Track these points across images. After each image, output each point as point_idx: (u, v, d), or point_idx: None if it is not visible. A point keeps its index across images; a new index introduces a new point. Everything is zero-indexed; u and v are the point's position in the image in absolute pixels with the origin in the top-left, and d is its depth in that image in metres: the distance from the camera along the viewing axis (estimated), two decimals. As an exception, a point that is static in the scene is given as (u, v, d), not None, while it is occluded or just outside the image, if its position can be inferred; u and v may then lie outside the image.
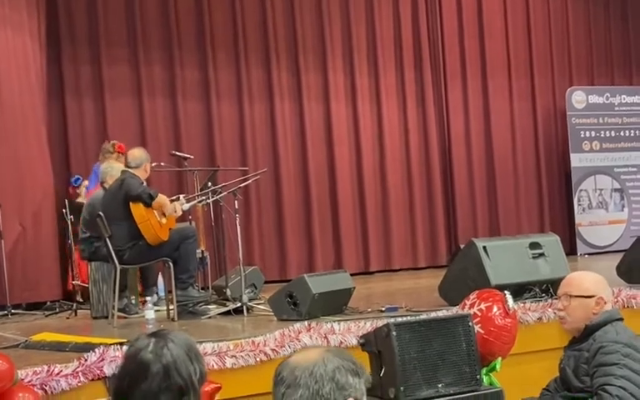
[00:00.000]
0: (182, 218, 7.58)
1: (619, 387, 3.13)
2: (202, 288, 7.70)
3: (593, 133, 12.01)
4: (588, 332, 3.39)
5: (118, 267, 6.30)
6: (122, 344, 4.48)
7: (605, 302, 3.43)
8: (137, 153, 6.77)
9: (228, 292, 6.81)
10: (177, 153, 8.39)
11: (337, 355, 1.99)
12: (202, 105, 10.03)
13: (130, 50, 9.67)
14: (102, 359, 4.34)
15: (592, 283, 3.51)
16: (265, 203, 10.32)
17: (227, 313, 6.42)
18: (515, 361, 5.16)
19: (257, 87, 10.35)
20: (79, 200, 8.57)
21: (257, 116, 10.33)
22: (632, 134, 12.26)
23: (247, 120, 10.22)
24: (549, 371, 3.68)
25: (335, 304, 6.02)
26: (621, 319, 3.47)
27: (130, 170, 6.59)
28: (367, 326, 5.02)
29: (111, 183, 6.87)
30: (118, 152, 7.88)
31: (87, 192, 8.44)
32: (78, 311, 7.36)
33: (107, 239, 6.38)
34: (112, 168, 7.28)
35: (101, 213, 6.45)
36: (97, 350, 4.38)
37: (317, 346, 4.38)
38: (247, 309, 6.40)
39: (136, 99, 9.65)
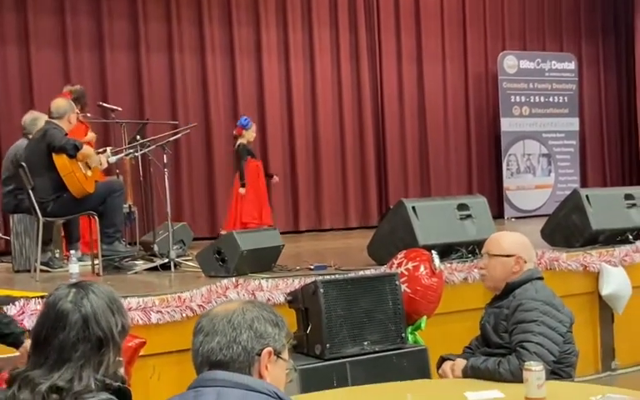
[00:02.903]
0: (109, 172, 7.42)
1: (537, 343, 3.19)
2: (130, 244, 7.57)
3: (523, 98, 12.21)
4: (508, 289, 3.45)
5: (41, 219, 6.13)
6: (43, 297, 4.37)
7: (525, 262, 3.49)
8: (60, 103, 6.56)
9: (156, 247, 6.72)
10: (105, 105, 8.18)
11: (257, 306, 2.01)
12: (132, 57, 9.82)
13: (56, -2, 9.38)
14: (23, 312, 4.26)
15: (512, 243, 3.56)
16: (195, 159, 10.21)
17: (155, 269, 6.34)
18: (440, 320, 5.23)
19: (189, 41, 10.17)
20: (240, 141, 9.01)
21: (188, 70, 10.16)
22: (560, 100, 12.49)
23: (177, 74, 10.06)
24: (473, 330, 3.73)
25: (264, 261, 6.00)
26: (541, 278, 3.54)
27: (53, 121, 6.39)
28: (295, 283, 5.01)
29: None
30: None
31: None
32: (-1, 264, 7.18)
33: (31, 191, 6.19)
34: (37, 119, 7.05)
35: (23, 164, 6.26)
36: (17, 303, 4.30)
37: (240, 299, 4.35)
38: (175, 265, 6.33)
39: (61, 49, 9.37)
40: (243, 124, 9.14)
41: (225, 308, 1.99)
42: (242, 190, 8.97)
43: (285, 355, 2.00)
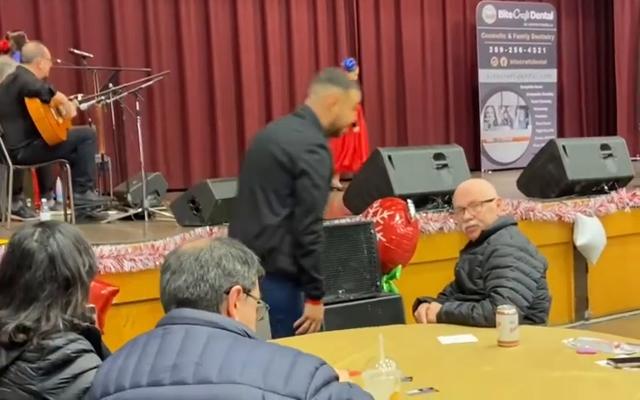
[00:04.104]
0: (80, 120, 7.30)
1: (510, 288, 3.19)
2: (103, 195, 7.48)
3: (502, 49, 12.12)
4: (484, 236, 3.44)
5: (12, 167, 6.02)
6: (13, 245, 4.31)
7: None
8: (29, 47, 6.44)
9: (129, 197, 6.64)
10: (76, 51, 8.02)
11: (225, 243, 1.97)
12: (104, 2, 9.61)
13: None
14: (-8, 259, 4.18)
15: (489, 187, 3.60)
16: (169, 107, 10.07)
17: (128, 219, 6.28)
18: (415, 269, 5.24)
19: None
20: None
21: (162, 16, 9.98)
22: (538, 51, 12.42)
23: (150, 20, 9.87)
24: (448, 279, 3.72)
25: (238, 211, 5.94)
26: (515, 224, 3.54)
27: (23, 65, 6.25)
28: (270, 232, 4.97)
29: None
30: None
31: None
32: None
33: (0, 138, 6.07)
34: (5, 64, 6.89)
35: (-9, 111, 6.13)
36: (-14, 250, 4.22)
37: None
38: (149, 215, 6.28)
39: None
40: (348, 66, 9.05)
41: (193, 246, 1.95)
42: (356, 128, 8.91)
43: (255, 293, 1.96)
